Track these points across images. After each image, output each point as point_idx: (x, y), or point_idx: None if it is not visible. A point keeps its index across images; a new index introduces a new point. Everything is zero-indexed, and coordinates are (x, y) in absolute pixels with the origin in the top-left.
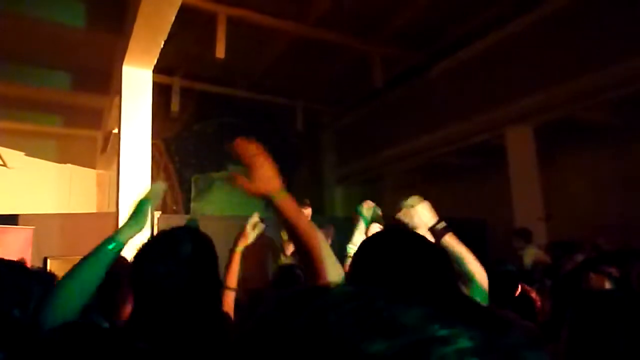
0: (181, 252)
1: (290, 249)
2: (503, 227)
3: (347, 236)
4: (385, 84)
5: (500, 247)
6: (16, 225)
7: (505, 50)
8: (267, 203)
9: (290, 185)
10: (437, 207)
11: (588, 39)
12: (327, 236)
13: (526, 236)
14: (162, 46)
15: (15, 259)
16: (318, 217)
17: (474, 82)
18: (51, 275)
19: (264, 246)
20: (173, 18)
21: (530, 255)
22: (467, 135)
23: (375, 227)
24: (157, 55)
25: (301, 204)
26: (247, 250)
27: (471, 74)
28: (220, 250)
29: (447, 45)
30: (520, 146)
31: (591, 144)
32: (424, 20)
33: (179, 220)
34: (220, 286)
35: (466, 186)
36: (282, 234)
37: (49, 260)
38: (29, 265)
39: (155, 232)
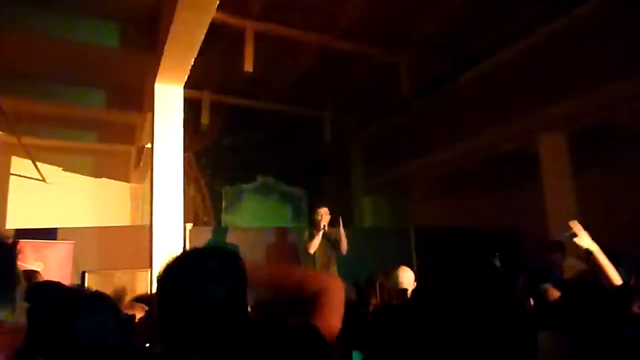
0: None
1: (312, 247)
2: (536, 237)
3: (378, 246)
4: (413, 93)
5: (534, 259)
6: (54, 238)
7: (538, 56)
8: None
9: (318, 196)
10: (466, 218)
11: (623, 43)
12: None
13: (563, 248)
14: (192, 63)
15: (56, 273)
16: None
17: (504, 89)
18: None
19: (289, 252)
20: (203, 36)
21: (572, 267)
22: (498, 143)
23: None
24: (188, 72)
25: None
26: (274, 257)
27: (501, 81)
28: (252, 260)
29: (476, 52)
30: (554, 154)
31: (628, 151)
32: (451, 28)
33: (209, 232)
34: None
35: (497, 196)
36: (305, 234)
37: (86, 275)
38: (69, 280)
39: (187, 244)
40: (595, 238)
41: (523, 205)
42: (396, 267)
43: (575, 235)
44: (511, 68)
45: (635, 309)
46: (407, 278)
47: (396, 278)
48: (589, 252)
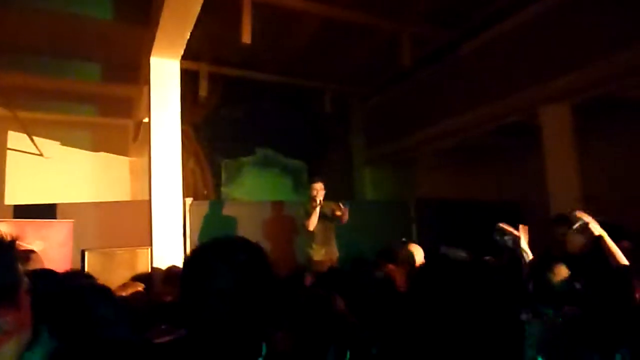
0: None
1: (312, 224)
2: (538, 210)
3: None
4: (415, 63)
5: (536, 231)
6: (54, 215)
7: (541, 26)
8: None
9: (319, 169)
10: (468, 190)
11: (627, 14)
12: (343, 214)
13: (566, 221)
14: (188, 37)
15: (56, 253)
16: (347, 201)
17: (507, 59)
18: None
19: (288, 225)
20: (199, 9)
21: (574, 240)
22: (500, 115)
23: None
24: (184, 45)
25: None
26: (273, 231)
27: (504, 51)
28: (251, 233)
29: (479, 22)
30: (557, 125)
31: (633, 122)
32: None
33: (209, 206)
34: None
35: (499, 168)
36: (301, 210)
37: (86, 254)
38: (70, 259)
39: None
40: (599, 210)
41: (525, 178)
42: (406, 243)
43: (587, 224)
44: (514, 39)
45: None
46: (418, 255)
47: (406, 254)
48: (598, 238)
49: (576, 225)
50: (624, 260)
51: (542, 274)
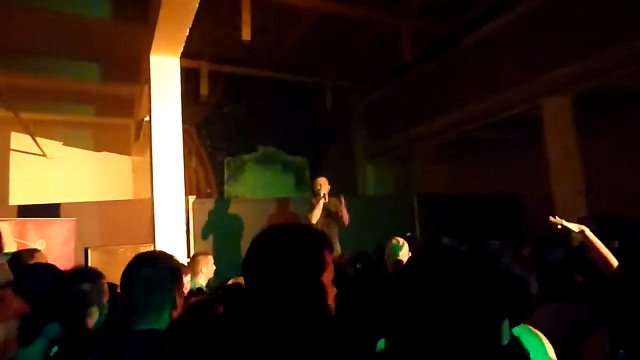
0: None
1: (314, 217)
2: (539, 202)
3: (381, 214)
4: (415, 57)
5: (537, 224)
6: (58, 214)
7: (540, 18)
8: None
9: (321, 165)
10: (470, 183)
11: (627, 5)
12: (340, 204)
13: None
14: (187, 34)
15: (59, 251)
16: (349, 197)
17: (507, 52)
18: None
19: (291, 221)
20: (196, 6)
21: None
22: (501, 107)
23: None
24: (183, 43)
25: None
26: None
27: (504, 44)
28: (254, 231)
29: (478, 15)
30: (558, 117)
31: (633, 113)
32: None
33: (211, 204)
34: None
35: (501, 161)
36: (311, 203)
37: (89, 251)
38: (73, 257)
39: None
40: (600, 201)
41: (527, 170)
42: (391, 238)
43: (583, 232)
44: (514, 31)
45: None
46: (403, 249)
47: (391, 249)
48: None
49: (576, 239)
50: (614, 262)
51: None
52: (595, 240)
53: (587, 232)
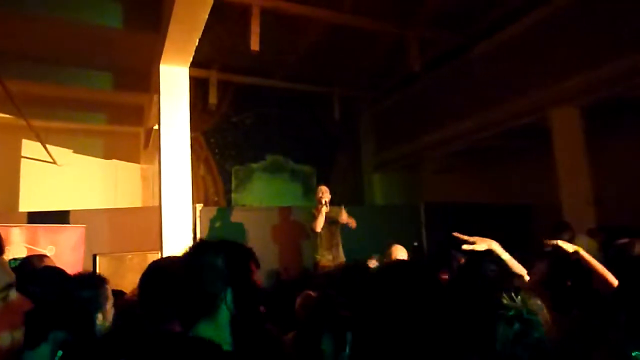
0: None
1: (318, 226)
2: (549, 212)
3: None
4: (423, 67)
5: (547, 235)
6: (67, 221)
7: (550, 29)
8: None
9: (329, 174)
10: (478, 193)
11: (637, 15)
12: (341, 213)
13: (569, 228)
14: (197, 44)
15: (68, 257)
16: (356, 206)
17: (516, 62)
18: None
19: (295, 231)
20: (206, 17)
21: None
22: (510, 117)
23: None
24: (193, 53)
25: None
26: (281, 236)
27: (513, 54)
28: (259, 238)
29: (487, 25)
30: (567, 127)
31: None
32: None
33: (219, 212)
34: None
35: (509, 171)
36: (313, 211)
37: (98, 258)
38: (81, 263)
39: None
40: (609, 212)
41: (536, 181)
42: (390, 244)
43: (577, 252)
44: (523, 41)
45: None
46: (400, 255)
47: (390, 255)
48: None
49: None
50: (614, 281)
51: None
52: (590, 260)
53: (582, 252)
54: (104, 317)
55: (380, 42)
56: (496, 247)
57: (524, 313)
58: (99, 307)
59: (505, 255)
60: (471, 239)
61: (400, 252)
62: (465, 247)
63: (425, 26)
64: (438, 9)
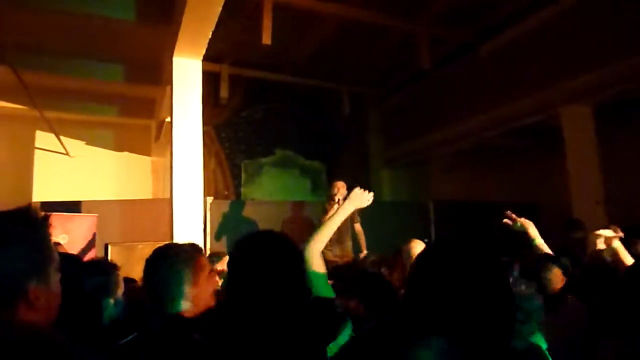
0: None
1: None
2: (557, 211)
3: (396, 220)
4: (433, 64)
5: (554, 233)
6: (79, 211)
7: (560, 26)
8: None
9: (337, 169)
10: (487, 190)
11: None
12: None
13: (581, 225)
14: (210, 36)
15: (81, 245)
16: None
17: (526, 60)
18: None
19: (305, 225)
20: (220, 9)
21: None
22: (519, 115)
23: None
24: (206, 46)
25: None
26: (290, 230)
27: (523, 51)
28: None
29: (497, 22)
30: (578, 126)
31: None
32: None
33: (229, 205)
34: None
35: (518, 169)
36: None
37: (109, 247)
38: (94, 252)
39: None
40: (619, 211)
41: (545, 179)
42: (408, 240)
43: (610, 241)
44: (533, 38)
45: None
46: (419, 251)
47: (408, 251)
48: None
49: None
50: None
51: None
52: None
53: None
54: (115, 303)
55: (389, 39)
56: (532, 231)
57: None
58: (110, 292)
59: (539, 240)
60: (517, 218)
61: (420, 247)
62: (505, 221)
63: (435, 23)
64: (447, 6)
